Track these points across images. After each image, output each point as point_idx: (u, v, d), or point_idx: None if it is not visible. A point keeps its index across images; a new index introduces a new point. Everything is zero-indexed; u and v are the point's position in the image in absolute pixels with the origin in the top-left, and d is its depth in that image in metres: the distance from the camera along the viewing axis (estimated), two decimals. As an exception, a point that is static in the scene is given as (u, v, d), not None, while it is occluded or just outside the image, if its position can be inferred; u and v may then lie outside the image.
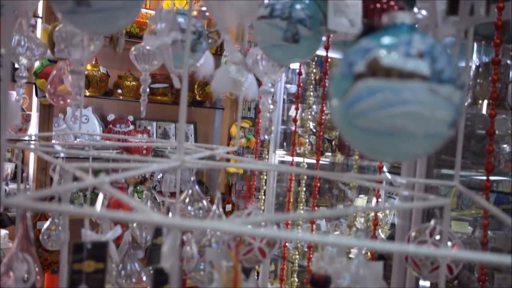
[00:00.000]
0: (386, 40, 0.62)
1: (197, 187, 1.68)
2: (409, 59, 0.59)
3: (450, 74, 0.60)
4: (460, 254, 0.55)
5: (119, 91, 3.27)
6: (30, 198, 0.66)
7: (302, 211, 2.02)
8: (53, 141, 3.06)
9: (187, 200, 1.68)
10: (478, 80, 1.73)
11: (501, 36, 1.39)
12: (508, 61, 1.74)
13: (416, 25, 0.67)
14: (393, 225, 2.34)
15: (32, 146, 1.66)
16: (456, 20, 0.93)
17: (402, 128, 0.60)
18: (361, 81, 0.60)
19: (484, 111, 1.94)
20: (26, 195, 0.69)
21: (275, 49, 1.19)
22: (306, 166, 1.91)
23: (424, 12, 1.13)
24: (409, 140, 0.62)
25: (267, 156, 2.18)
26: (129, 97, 3.31)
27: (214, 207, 1.38)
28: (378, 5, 1.16)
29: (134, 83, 3.29)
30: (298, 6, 1.15)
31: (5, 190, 2.95)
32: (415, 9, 1.12)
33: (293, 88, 2.84)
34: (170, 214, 1.69)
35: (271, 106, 1.61)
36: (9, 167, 3.06)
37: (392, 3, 1.15)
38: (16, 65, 1.68)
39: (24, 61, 1.61)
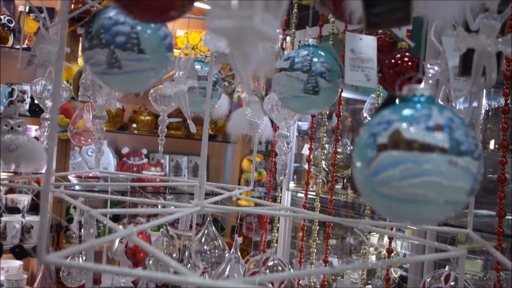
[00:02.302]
0: (407, 113, 0.66)
1: (213, 227, 1.73)
2: (429, 133, 0.63)
3: (468, 146, 0.64)
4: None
5: (134, 125, 3.34)
6: (62, 256, 0.70)
7: (315, 249, 2.03)
8: (69, 173, 3.12)
9: (203, 239, 1.72)
10: (488, 125, 1.77)
11: (510, 84, 1.44)
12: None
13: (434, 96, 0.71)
14: (404, 255, 2.36)
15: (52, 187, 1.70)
16: (469, 80, 0.97)
17: (423, 197, 0.64)
18: (384, 152, 0.64)
19: (492, 145, 1.97)
20: (58, 253, 0.72)
21: (294, 100, 1.24)
22: (319, 205, 1.94)
23: (436, 68, 1.18)
24: (429, 207, 0.65)
25: (280, 194, 2.21)
26: (144, 131, 3.37)
27: (232, 250, 1.42)
28: (393, 61, 1.21)
29: (148, 118, 3.36)
30: (317, 60, 1.20)
31: (22, 222, 3.00)
32: (428, 65, 1.17)
33: (304, 126, 2.89)
34: (187, 253, 1.73)
35: (286, 149, 1.65)
36: (25, 200, 3.12)
37: (406, 59, 1.21)
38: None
39: (50, 104, 1.68)
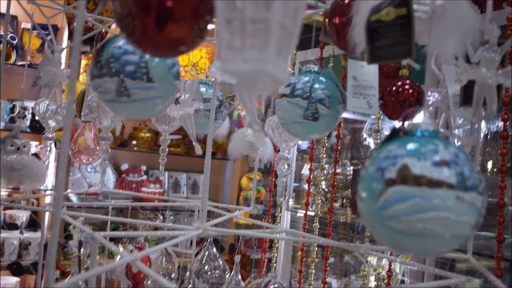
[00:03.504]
0: (414, 148, 0.67)
1: (214, 248, 1.73)
2: (436, 169, 0.65)
3: (473, 181, 0.66)
4: None
5: (134, 142, 3.35)
6: (69, 284, 0.71)
7: (313, 269, 2.04)
8: (69, 190, 3.12)
9: (204, 260, 1.72)
10: (487, 149, 1.79)
11: (509, 110, 1.46)
12: (516, 130, 1.80)
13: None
14: (402, 282, 2.36)
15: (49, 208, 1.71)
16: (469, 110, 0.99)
17: (431, 231, 0.65)
18: (392, 187, 0.65)
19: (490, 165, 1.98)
20: (66, 281, 0.73)
21: (295, 125, 1.25)
22: (318, 226, 1.95)
23: (436, 95, 1.21)
24: (436, 241, 0.66)
25: (280, 213, 2.22)
26: (144, 148, 3.39)
27: (233, 272, 1.43)
28: (394, 88, 1.24)
29: (148, 134, 3.38)
30: (318, 86, 1.22)
31: (20, 238, 2.99)
32: (428, 93, 1.19)
33: (304, 145, 2.91)
34: (188, 274, 1.73)
35: (287, 170, 1.66)
36: (24, 216, 3.11)
37: (407, 86, 1.23)
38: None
39: (52, 123, 1.69)
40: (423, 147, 0.68)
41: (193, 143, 1.61)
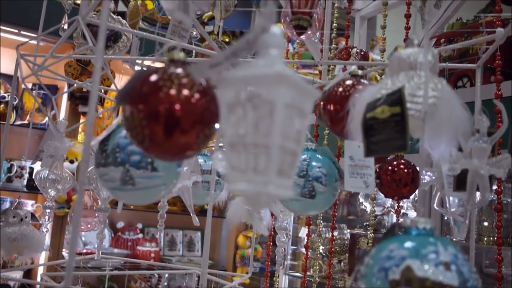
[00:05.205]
0: (415, 248, 0.69)
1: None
2: (439, 271, 0.66)
3: (472, 282, 0.68)
4: None
5: (131, 200, 3.36)
6: None
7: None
8: (63, 249, 3.10)
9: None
10: (482, 217, 1.81)
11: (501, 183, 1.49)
12: (509, 199, 1.83)
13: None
14: None
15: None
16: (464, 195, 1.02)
17: None
18: None
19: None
20: None
21: (292, 202, 1.27)
22: (317, 293, 1.95)
23: (430, 173, 1.24)
24: None
25: (277, 279, 2.21)
26: (140, 206, 3.38)
27: None
28: (390, 167, 1.27)
29: (145, 193, 3.39)
30: (314, 164, 1.25)
31: (11, 300, 2.94)
32: (423, 172, 1.22)
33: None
34: None
35: (285, 240, 1.67)
36: (16, 276, 3.06)
37: (402, 166, 1.26)
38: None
39: (52, 193, 1.70)
40: (424, 248, 0.70)
41: (191, 215, 1.62)
